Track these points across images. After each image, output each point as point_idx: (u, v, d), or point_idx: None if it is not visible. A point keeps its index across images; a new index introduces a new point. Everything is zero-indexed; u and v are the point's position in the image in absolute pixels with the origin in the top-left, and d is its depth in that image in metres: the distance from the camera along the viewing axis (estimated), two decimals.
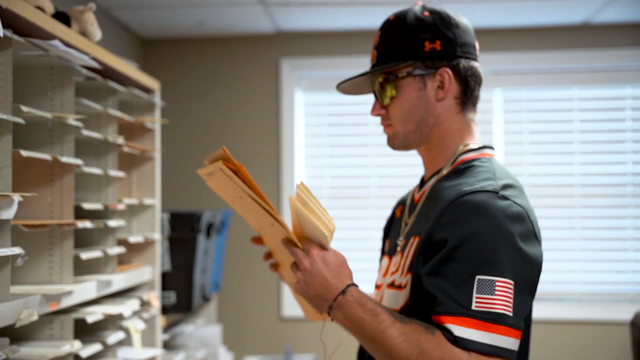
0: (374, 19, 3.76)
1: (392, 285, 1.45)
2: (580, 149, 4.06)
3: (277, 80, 4.14)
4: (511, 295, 1.24)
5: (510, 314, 1.24)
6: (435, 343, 1.24)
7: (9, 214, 1.44)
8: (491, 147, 1.52)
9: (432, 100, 1.46)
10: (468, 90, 1.49)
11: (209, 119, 4.16)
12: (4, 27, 1.45)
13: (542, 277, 4.10)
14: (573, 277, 4.03)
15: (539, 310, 3.98)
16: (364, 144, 4.12)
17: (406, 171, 3.87)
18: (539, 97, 4.13)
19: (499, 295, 1.23)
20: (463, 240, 1.27)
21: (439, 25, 1.45)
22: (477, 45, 1.52)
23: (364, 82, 1.56)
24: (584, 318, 3.94)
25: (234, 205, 1.49)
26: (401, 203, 1.66)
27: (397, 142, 1.51)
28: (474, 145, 1.49)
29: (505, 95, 4.11)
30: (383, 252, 1.67)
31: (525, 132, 4.09)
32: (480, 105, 4.45)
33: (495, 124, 4.08)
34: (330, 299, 1.30)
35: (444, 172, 1.47)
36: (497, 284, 1.23)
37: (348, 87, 1.59)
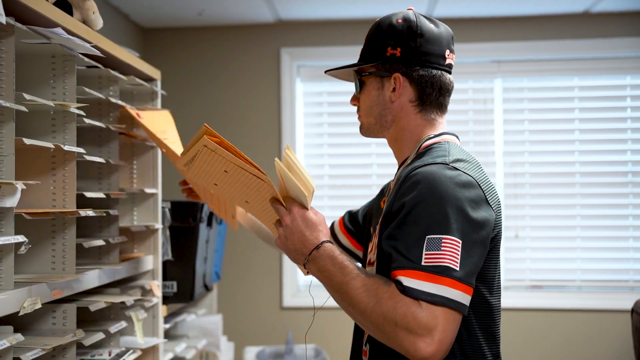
0: (373, 8, 3.75)
1: (369, 263, 1.59)
2: (580, 138, 4.05)
3: (278, 70, 4.13)
4: (457, 252, 1.34)
5: (457, 268, 1.33)
6: (389, 293, 1.34)
7: (13, 202, 1.43)
8: (453, 134, 1.63)
9: (388, 100, 1.59)
10: (424, 96, 1.58)
11: (209, 108, 4.15)
12: (7, 14, 1.44)
13: (543, 265, 4.08)
14: (574, 266, 4.03)
15: (540, 299, 4.00)
16: None
17: None
18: (539, 86, 4.12)
19: (445, 250, 1.34)
20: (414, 205, 1.38)
21: (404, 34, 1.56)
22: (447, 54, 1.59)
23: (351, 72, 1.70)
24: (585, 306, 3.95)
25: (217, 187, 1.57)
26: (384, 195, 1.77)
27: (362, 130, 1.69)
28: (435, 134, 1.60)
29: (506, 85, 4.10)
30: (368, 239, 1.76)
31: (525, 122, 4.09)
32: (480, 95, 4.44)
33: (495, 113, 4.08)
34: (306, 252, 1.44)
35: (410, 159, 1.59)
36: (443, 241, 1.34)
37: (340, 73, 1.72)
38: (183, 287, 2.81)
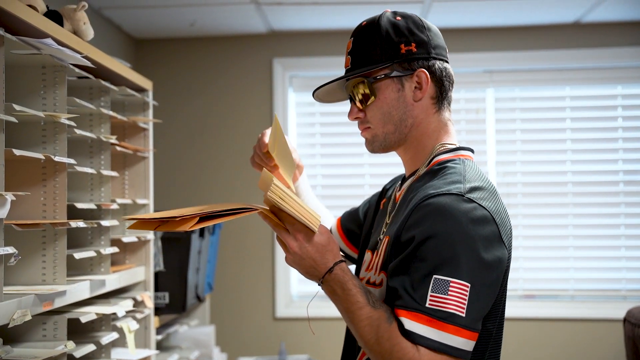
0: (365, 18, 3.76)
1: (368, 282, 1.51)
2: (572, 148, 4.07)
3: (270, 80, 4.14)
4: (465, 297, 1.29)
5: (462, 315, 1.28)
6: (389, 333, 1.31)
7: (2, 213, 1.43)
8: (469, 149, 1.56)
9: (410, 101, 1.50)
10: (443, 91, 1.52)
11: (201, 119, 4.15)
12: None
13: (536, 275, 4.07)
14: (567, 275, 4.04)
15: (533, 308, 4.00)
16: (356, 142, 4.11)
17: (399, 170, 3.84)
18: (530, 96, 4.13)
19: (451, 295, 1.29)
20: (424, 240, 1.32)
21: (412, 29, 1.50)
22: (447, 49, 1.57)
23: (338, 89, 1.60)
24: (578, 316, 3.95)
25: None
26: (385, 196, 1.72)
27: (376, 144, 1.55)
28: (450, 145, 1.53)
29: (497, 94, 4.12)
30: (365, 245, 1.71)
31: (517, 131, 4.10)
32: (472, 105, 4.45)
33: (487, 123, 4.09)
34: (320, 275, 1.39)
35: (420, 172, 1.51)
36: (451, 284, 1.29)
37: (323, 95, 1.63)
38: (175, 298, 2.80)
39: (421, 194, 1.40)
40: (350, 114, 1.56)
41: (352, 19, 3.79)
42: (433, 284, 1.29)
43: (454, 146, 1.53)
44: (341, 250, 1.89)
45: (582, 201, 4.05)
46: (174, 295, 2.80)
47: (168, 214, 1.35)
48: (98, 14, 3.58)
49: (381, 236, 1.54)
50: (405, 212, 1.40)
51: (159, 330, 2.77)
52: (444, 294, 1.28)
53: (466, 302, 1.29)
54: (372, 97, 1.50)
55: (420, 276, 1.31)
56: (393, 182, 1.77)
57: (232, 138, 4.14)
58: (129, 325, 2.19)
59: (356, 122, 1.57)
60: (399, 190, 1.59)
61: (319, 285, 1.42)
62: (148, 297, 2.41)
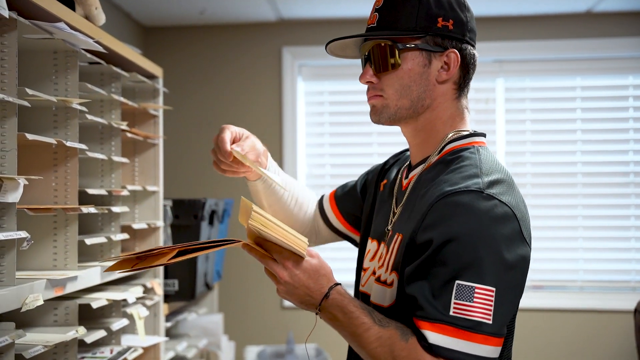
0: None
1: (378, 280, 1.43)
2: (582, 138, 4.05)
3: (279, 69, 4.13)
4: (491, 303, 1.21)
5: (489, 322, 1.21)
6: (407, 351, 1.23)
7: (15, 197, 1.42)
8: (482, 134, 1.46)
9: (433, 80, 1.39)
10: (467, 78, 1.44)
11: (211, 107, 4.15)
12: (9, 9, 1.43)
13: (545, 266, 4.07)
14: (576, 266, 4.03)
15: (542, 299, 3.99)
16: (365, 132, 4.10)
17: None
18: (541, 86, 4.11)
19: (477, 302, 1.21)
20: (445, 243, 1.23)
21: (454, 5, 1.39)
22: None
23: (352, 45, 1.47)
24: (587, 307, 3.94)
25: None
26: (385, 177, 1.61)
27: (385, 115, 1.42)
28: (463, 132, 1.44)
29: (508, 84, 4.10)
30: (367, 230, 1.60)
31: (527, 121, 4.08)
32: (482, 95, 4.44)
33: (497, 113, 4.07)
34: (316, 303, 1.30)
35: (431, 160, 1.42)
36: (476, 290, 1.21)
37: (336, 47, 1.49)
38: (184, 286, 2.80)
39: (437, 189, 1.30)
40: (362, 76, 1.43)
41: (362, 7, 3.77)
42: (456, 290, 1.21)
43: (466, 132, 1.44)
44: (338, 230, 1.76)
45: (592, 192, 4.03)
46: (184, 282, 2.80)
47: (147, 250, 1.29)
48: (108, 1, 3.57)
49: (389, 227, 1.45)
50: (419, 208, 1.32)
51: (168, 318, 2.77)
52: (469, 301, 1.20)
53: (492, 308, 1.21)
54: (395, 65, 1.37)
55: (442, 282, 1.22)
56: (396, 160, 1.65)
57: (241, 126, 4.10)
58: (139, 312, 2.19)
59: (364, 90, 1.46)
60: (407, 177, 1.49)
61: (316, 314, 1.32)
62: (158, 284, 2.41)
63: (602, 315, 3.93)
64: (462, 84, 1.43)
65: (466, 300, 1.20)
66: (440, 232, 1.24)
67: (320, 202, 1.79)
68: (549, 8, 3.89)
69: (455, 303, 1.21)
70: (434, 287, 1.23)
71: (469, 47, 1.42)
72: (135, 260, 1.30)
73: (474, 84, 4.35)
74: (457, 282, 1.21)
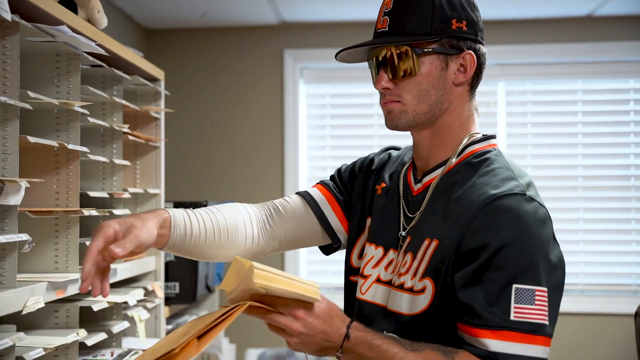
0: (376, 10, 3.74)
1: (402, 287, 1.36)
2: (583, 142, 4.04)
3: (281, 72, 4.13)
4: (547, 304, 1.22)
5: (547, 323, 1.21)
6: None
7: (17, 199, 1.43)
8: (494, 137, 1.45)
9: (450, 83, 1.36)
10: (479, 78, 1.41)
11: (212, 109, 4.15)
12: (12, 12, 1.44)
13: None
14: (576, 269, 4.02)
15: None
16: (367, 134, 4.11)
17: None
18: (542, 89, 4.11)
19: (538, 305, 1.20)
20: (499, 248, 1.22)
21: (465, 5, 1.37)
22: None
23: (361, 49, 1.42)
24: (588, 310, 3.94)
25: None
26: (383, 180, 1.52)
27: (403, 121, 1.37)
28: (477, 135, 1.42)
29: (509, 88, 4.10)
30: (360, 230, 1.52)
31: (528, 125, 4.09)
32: (483, 98, 4.42)
33: (498, 117, 4.07)
34: (337, 347, 1.24)
35: (452, 162, 1.39)
36: (536, 293, 1.21)
37: (344, 53, 1.44)
38: (185, 288, 2.80)
39: (479, 193, 1.28)
40: (378, 82, 1.38)
41: (364, 10, 3.77)
42: (515, 294, 1.20)
43: (480, 134, 1.43)
44: (334, 228, 1.58)
45: (592, 195, 4.03)
46: (184, 285, 2.79)
47: (162, 349, 1.16)
48: (109, 3, 3.58)
49: (403, 233, 1.41)
50: (459, 212, 1.28)
51: (169, 320, 2.77)
52: (531, 304, 1.20)
53: (548, 309, 1.22)
54: (415, 71, 1.34)
55: (499, 288, 1.21)
56: (383, 163, 1.57)
57: (243, 129, 4.13)
58: (140, 315, 2.19)
59: (372, 110, 1.44)
60: (418, 181, 1.43)
61: (338, 358, 1.26)
62: (159, 287, 2.41)
63: (603, 318, 3.92)
64: (475, 85, 1.42)
65: (528, 304, 1.20)
66: (494, 237, 1.23)
67: (307, 196, 1.59)
68: (550, 12, 3.90)
69: (515, 307, 1.19)
70: (490, 293, 1.21)
71: (482, 46, 1.40)
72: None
73: None
74: (515, 286, 1.20)
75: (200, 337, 1.16)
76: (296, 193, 1.61)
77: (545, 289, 1.22)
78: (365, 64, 1.46)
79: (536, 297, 1.20)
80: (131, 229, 1.27)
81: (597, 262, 4.03)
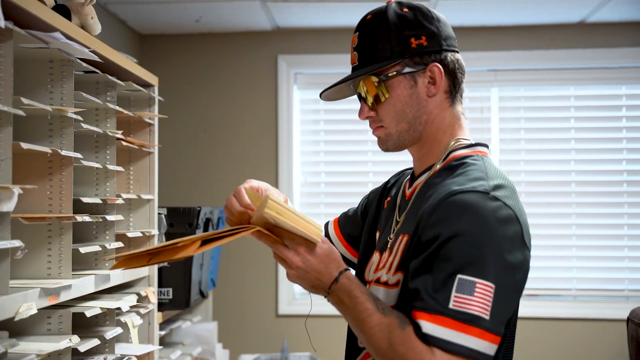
0: (369, 11, 3.75)
1: (378, 281, 1.45)
2: (576, 147, 4.06)
3: (275, 77, 4.13)
4: (490, 299, 1.24)
5: (487, 317, 1.23)
6: (402, 338, 1.26)
7: (9, 206, 1.42)
8: (484, 145, 1.50)
9: (424, 96, 1.44)
10: (457, 83, 1.47)
11: (206, 115, 4.15)
12: (5, 18, 1.44)
13: (539, 274, 4.07)
14: (569, 275, 4.04)
15: (536, 308, 3.99)
16: (360, 140, 4.12)
17: (402, 167, 3.84)
18: (535, 95, 4.13)
19: (477, 297, 1.23)
20: (450, 238, 1.26)
21: (422, 21, 1.43)
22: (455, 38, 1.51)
23: (345, 86, 1.53)
24: (581, 315, 3.95)
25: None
26: (389, 194, 1.65)
27: (390, 143, 1.49)
28: (465, 141, 1.48)
29: (502, 94, 4.11)
30: (371, 245, 1.64)
31: (521, 130, 4.10)
32: (477, 103, 4.45)
33: (492, 122, 4.09)
34: (326, 287, 1.35)
35: (437, 167, 1.46)
36: (477, 285, 1.23)
37: (331, 93, 1.56)
38: (179, 294, 2.80)
39: (443, 189, 1.34)
40: (361, 113, 1.50)
41: (357, 16, 3.75)
42: (457, 284, 1.24)
43: (469, 142, 1.48)
44: (342, 255, 1.78)
45: (585, 201, 4.04)
46: (178, 291, 2.79)
47: (164, 244, 1.29)
48: (103, 9, 3.58)
49: (391, 236, 1.49)
50: (426, 208, 1.34)
51: (162, 326, 2.77)
52: (470, 295, 1.23)
53: (490, 305, 1.24)
54: (385, 96, 1.44)
55: (444, 276, 1.25)
56: (397, 178, 1.69)
57: (237, 134, 4.13)
58: (133, 321, 2.18)
59: (366, 121, 1.50)
60: (410, 187, 1.53)
61: (325, 297, 1.36)
62: (152, 293, 2.41)
63: (596, 324, 3.93)
64: (453, 91, 1.47)
65: (466, 294, 1.23)
66: (447, 228, 1.27)
67: (326, 228, 1.84)
68: (543, 18, 3.92)
69: (455, 296, 1.23)
70: (436, 280, 1.26)
71: (449, 54, 1.45)
72: (148, 256, 1.32)
73: (468, 93, 4.35)
74: (458, 276, 1.24)
75: (206, 242, 1.27)
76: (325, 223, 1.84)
77: (492, 284, 1.24)
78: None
79: (476, 289, 1.23)
80: (266, 188, 1.56)
81: (589, 267, 4.04)
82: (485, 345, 1.23)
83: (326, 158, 4.19)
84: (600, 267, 4.04)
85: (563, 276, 4.05)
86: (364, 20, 1.50)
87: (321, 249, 1.34)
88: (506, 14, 3.82)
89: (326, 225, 1.85)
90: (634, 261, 4.02)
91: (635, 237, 4.02)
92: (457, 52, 1.49)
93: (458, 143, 1.47)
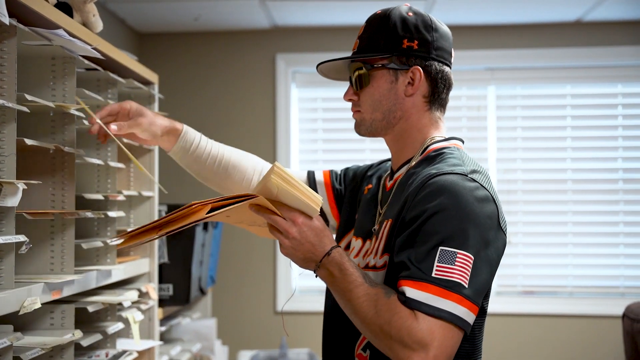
0: (368, 15, 3.77)
1: (366, 267, 1.53)
2: (572, 145, 4.09)
3: (273, 75, 4.15)
4: (469, 269, 1.32)
5: (466, 285, 1.32)
6: (388, 305, 1.33)
7: (14, 201, 1.44)
8: (460, 139, 1.60)
9: (402, 94, 1.54)
10: (436, 92, 1.56)
11: (205, 113, 4.16)
12: (9, 16, 1.45)
13: (536, 271, 4.07)
14: (566, 272, 4.06)
15: (533, 305, 4.01)
16: (358, 137, 4.11)
17: None
18: (531, 93, 4.15)
19: (458, 266, 1.32)
20: (433, 213, 1.36)
21: (419, 27, 1.52)
22: (453, 53, 1.59)
23: (343, 68, 1.64)
24: (577, 312, 3.98)
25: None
26: (370, 182, 1.73)
27: (363, 128, 1.59)
28: (441, 137, 1.57)
29: (499, 92, 4.13)
30: (348, 225, 1.72)
31: (518, 128, 4.12)
32: (474, 102, 4.46)
33: (488, 120, 4.10)
34: (317, 260, 1.41)
35: (414, 161, 1.55)
36: (457, 255, 1.32)
37: (328, 70, 1.67)
38: (179, 290, 2.81)
39: (424, 175, 1.43)
40: (345, 94, 1.61)
41: (355, 15, 3.80)
42: (439, 255, 1.33)
43: (445, 137, 1.58)
44: (322, 211, 1.82)
45: (581, 198, 4.07)
46: (178, 287, 2.81)
47: (173, 213, 1.34)
48: (103, 7, 3.59)
49: (376, 227, 1.57)
50: (410, 192, 1.43)
51: (162, 322, 2.78)
52: (451, 264, 1.32)
53: (469, 274, 1.32)
54: (367, 83, 1.55)
55: (428, 248, 1.34)
56: (376, 170, 1.76)
57: (235, 131, 4.15)
58: (134, 316, 2.19)
59: (350, 104, 1.61)
60: (390, 179, 1.61)
61: (314, 271, 1.43)
62: (152, 289, 2.42)
63: (592, 320, 3.96)
64: (431, 97, 1.56)
65: (447, 264, 1.32)
66: (429, 205, 1.37)
67: (311, 175, 1.89)
68: (540, 17, 3.93)
69: (437, 266, 1.32)
70: (420, 252, 1.35)
71: (436, 63, 1.54)
72: (156, 229, 1.36)
73: (465, 92, 4.35)
74: (440, 248, 1.33)
75: (212, 210, 1.34)
76: (307, 170, 1.90)
77: (471, 255, 1.33)
78: None
79: (457, 259, 1.32)
80: (139, 116, 1.74)
81: (585, 264, 4.06)
82: (464, 311, 1.31)
83: (324, 156, 4.20)
84: (595, 265, 4.07)
85: (559, 273, 4.07)
86: (374, 15, 1.59)
87: (317, 222, 1.42)
88: (503, 12, 3.84)
89: (311, 173, 1.90)
90: (629, 258, 4.04)
91: (631, 234, 4.05)
92: (448, 66, 1.57)
93: (434, 139, 1.56)
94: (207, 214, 1.34)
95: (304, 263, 1.43)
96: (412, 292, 1.32)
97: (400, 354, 1.30)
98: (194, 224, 1.35)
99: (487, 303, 1.48)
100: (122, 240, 1.39)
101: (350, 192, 1.78)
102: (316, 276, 1.44)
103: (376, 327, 1.34)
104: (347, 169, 1.88)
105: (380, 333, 1.33)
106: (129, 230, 1.39)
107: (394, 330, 1.30)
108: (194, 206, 1.33)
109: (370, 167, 1.80)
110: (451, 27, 1.62)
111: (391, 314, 1.32)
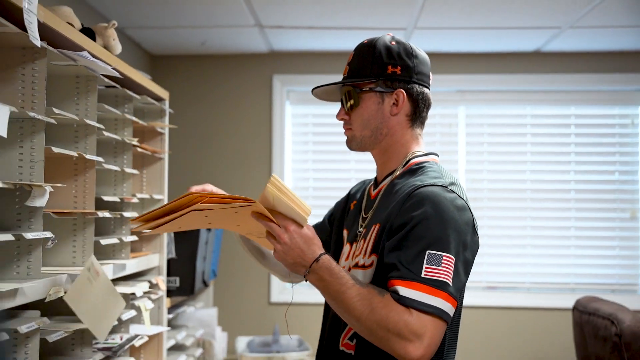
0: (355, 42, 3.78)
1: (356, 265, 1.52)
2: (531, 159, 4.12)
3: (270, 94, 4.16)
4: (451, 269, 1.34)
5: (450, 284, 1.34)
6: (383, 303, 1.33)
7: (42, 202, 1.44)
8: (436, 154, 1.61)
9: (387, 114, 1.55)
10: (417, 111, 1.57)
11: (210, 126, 4.17)
12: (40, 39, 1.46)
13: (498, 269, 4.09)
14: (524, 269, 4.08)
15: (495, 298, 4.03)
16: (345, 150, 4.12)
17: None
18: (497, 113, 4.18)
19: (443, 267, 1.33)
20: (418, 222, 1.37)
21: (402, 54, 1.54)
22: (431, 76, 1.61)
23: (335, 91, 1.64)
24: (534, 305, 4.00)
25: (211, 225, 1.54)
26: (354, 198, 1.74)
27: (354, 144, 1.60)
28: (421, 152, 1.59)
29: (468, 112, 4.16)
30: (340, 241, 1.71)
31: (484, 144, 4.14)
32: (446, 120, 4.47)
33: (459, 137, 4.13)
34: (307, 265, 1.39)
35: (397, 172, 1.56)
36: (443, 258, 1.34)
37: (321, 93, 1.67)
38: (185, 282, 2.81)
39: (410, 186, 1.45)
40: (338, 114, 1.62)
41: (343, 42, 3.82)
42: (427, 257, 1.34)
43: (425, 152, 1.59)
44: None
45: (538, 205, 4.10)
46: (184, 279, 2.81)
47: (182, 197, 1.34)
48: (121, 32, 3.59)
49: (360, 229, 1.57)
50: (397, 201, 1.44)
51: (169, 310, 2.78)
52: (438, 266, 1.33)
53: (452, 274, 1.34)
54: (357, 105, 1.56)
55: (416, 252, 1.35)
56: (359, 187, 1.78)
57: (236, 142, 4.15)
58: (145, 305, 2.20)
59: (342, 122, 1.62)
60: (375, 189, 1.62)
61: (304, 276, 1.41)
62: (162, 281, 2.42)
63: (546, 312, 3.98)
64: (413, 116, 1.57)
65: (435, 265, 1.33)
66: (415, 213, 1.38)
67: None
68: (504, 47, 3.97)
69: (426, 267, 1.33)
70: (409, 255, 1.35)
71: (417, 86, 1.55)
72: (166, 214, 1.36)
73: (439, 110, 4.38)
74: (428, 251, 1.34)
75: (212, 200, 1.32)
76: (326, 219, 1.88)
77: (453, 257, 1.35)
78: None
79: (443, 261, 1.34)
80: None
81: (541, 263, 4.09)
82: (449, 306, 1.34)
83: (314, 166, 4.21)
84: (550, 264, 4.09)
85: (518, 270, 4.09)
86: (361, 43, 1.60)
87: (307, 231, 1.40)
88: (472, 43, 3.87)
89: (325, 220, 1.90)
90: (579, 258, 4.07)
91: (581, 237, 4.08)
92: (427, 87, 1.58)
93: (415, 154, 1.57)
94: (202, 203, 1.32)
95: (294, 267, 1.41)
96: (404, 290, 1.32)
97: (396, 345, 1.30)
98: (192, 211, 1.33)
99: (463, 297, 1.49)
100: (140, 224, 1.39)
101: (339, 215, 1.77)
102: (306, 280, 1.42)
103: (372, 323, 1.33)
104: (329, 215, 1.86)
105: (377, 328, 1.32)
106: (144, 214, 1.40)
107: (392, 325, 1.30)
108: (191, 195, 1.32)
109: (349, 192, 1.80)
110: (427, 54, 1.63)
111: (388, 310, 1.31)
